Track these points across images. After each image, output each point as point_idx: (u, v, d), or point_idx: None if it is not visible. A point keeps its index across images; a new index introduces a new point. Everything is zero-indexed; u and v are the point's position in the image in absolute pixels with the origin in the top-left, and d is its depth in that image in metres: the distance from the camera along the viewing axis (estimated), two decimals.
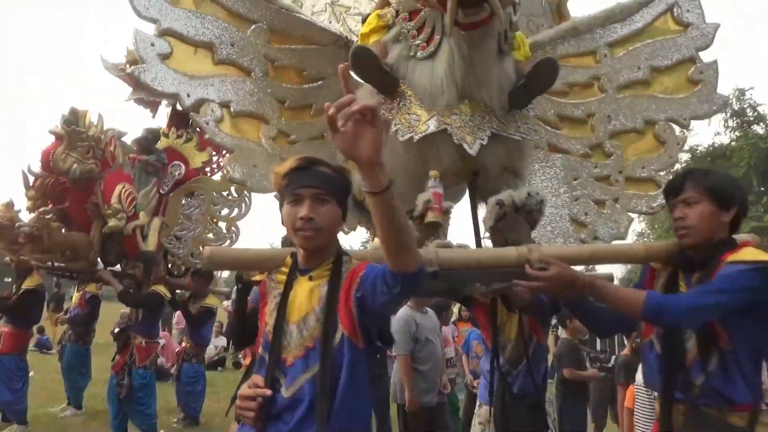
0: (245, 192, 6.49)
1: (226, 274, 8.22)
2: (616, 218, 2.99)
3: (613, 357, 5.42)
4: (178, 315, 10.30)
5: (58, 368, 7.14)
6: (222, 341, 10.49)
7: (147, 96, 6.11)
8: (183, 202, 6.52)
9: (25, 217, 5.59)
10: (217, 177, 6.78)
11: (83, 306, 6.58)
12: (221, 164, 6.70)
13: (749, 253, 1.94)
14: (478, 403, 3.55)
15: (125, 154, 6.19)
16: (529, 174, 3.02)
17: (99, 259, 5.85)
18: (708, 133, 31.04)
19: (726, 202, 1.99)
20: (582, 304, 2.22)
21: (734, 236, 2.05)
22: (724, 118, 21.73)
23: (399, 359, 4.47)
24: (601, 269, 2.90)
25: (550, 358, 4.67)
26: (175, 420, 6.46)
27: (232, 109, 2.72)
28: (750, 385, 1.89)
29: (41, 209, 5.47)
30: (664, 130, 2.99)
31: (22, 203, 5.71)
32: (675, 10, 3.10)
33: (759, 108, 21.15)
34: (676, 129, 3.03)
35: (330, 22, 3.35)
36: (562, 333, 5.45)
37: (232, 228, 6.66)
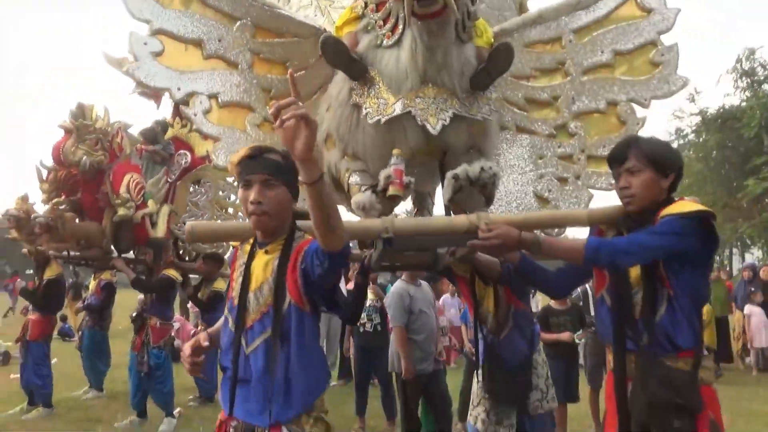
0: None
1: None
2: (578, 194, 3.14)
3: None
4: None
5: (79, 354, 7.41)
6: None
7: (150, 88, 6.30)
8: (191, 189, 6.76)
9: (41, 209, 5.91)
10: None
11: (99, 293, 6.82)
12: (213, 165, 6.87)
13: (682, 205, 2.11)
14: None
15: (132, 145, 6.43)
16: (498, 153, 3.19)
17: (112, 247, 6.13)
18: (718, 95, 30.60)
19: (665, 170, 2.14)
20: (532, 269, 2.42)
21: (676, 198, 2.20)
22: (734, 79, 21.46)
23: (395, 331, 4.69)
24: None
25: None
26: (191, 398, 6.71)
27: (219, 100, 2.93)
28: (693, 330, 2.06)
29: (55, 200, 5.76)
30: (626, 110, 3.12)
31: (36, 197, 6.02)
32: None
33: None
34: (637, 109, 3.14)
35: (315, 16, 3.49)
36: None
37: (239, 213, 6.87)
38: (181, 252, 6.88)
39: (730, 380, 8.40)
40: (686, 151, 24.15)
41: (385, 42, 2.68)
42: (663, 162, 2.15)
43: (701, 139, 22.96)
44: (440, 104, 2.61)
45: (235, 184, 6.47)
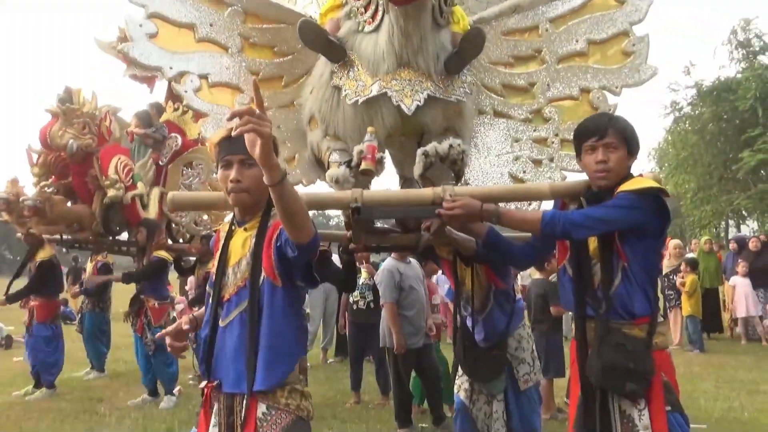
0: None
1: None
2: (551, 175, 3.25)
3: None
4: (190, 281, 10.70)
5: (80, 337, 7.44)
6: None
7: (141, 72, 6.31)
8: (182, 172, 6.79)
9: (32, 192, 5.94)
10: None
11: (96, 275, 6.89)
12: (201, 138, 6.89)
13: (637, 181, 2.19)
14: None
15: (122, 129, 6.45)
16: (476, 136, 3.30)
17: (103, 229, 6.18)
18: (713, 68, 30.36)
19: (634, 149, 2.25)
20: (498, 241, 2.50)
21: (637, 175, 2.29)
22: (729, 50, 21.35)
23: (386, 307, 4.78)
24: None
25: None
26: (190, 376, 6.85)
27: (209, 80, 3.07)
28: (648, 299, 2.16)
29: (42, 183, 5.79)
30: (598, 97, 3.23)
31: (28, 180, 6.06)
32: None
33: (765, 37, 20.61)
34: (609, 96, 3.25)
35: (311, 3, 3.59)
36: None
37: None
38: (174, 234, 6.93)
39: (719, 350, 8.58)
40: (682, 123, 24.12)
41: (366, 28, 2.79)
42: (633, 142, 2.24)
43: (697, 112, 22.90)
44: (415, 86, 2.73)
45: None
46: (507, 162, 3.24)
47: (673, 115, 23.95)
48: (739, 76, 20.76)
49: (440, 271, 7.71)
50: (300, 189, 2.97)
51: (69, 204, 6.06)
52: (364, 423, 5.03)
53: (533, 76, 3.32)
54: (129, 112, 6.97)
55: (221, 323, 1.92)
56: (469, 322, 3.33)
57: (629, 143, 2.22)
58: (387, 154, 3.11)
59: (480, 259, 3.01)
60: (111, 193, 5.66)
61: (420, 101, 2.71)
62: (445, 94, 2.79)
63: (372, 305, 5.74)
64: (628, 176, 2.24)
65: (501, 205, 2.43)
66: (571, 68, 3.30)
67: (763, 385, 6.22)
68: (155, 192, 6.32)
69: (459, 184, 2.81)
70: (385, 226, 3.24)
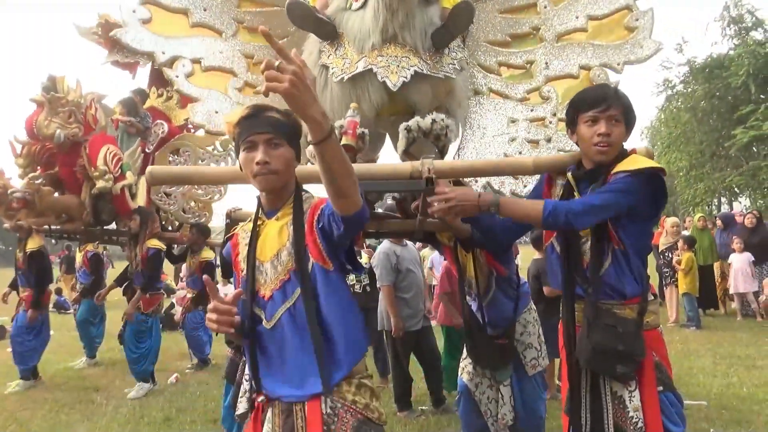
0: (230, 146, 6.65)
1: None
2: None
3: None
4: (185, 267, 10.63)
5: (75, 327, 7.42)
6: (229, 289, 10.85)
7: (123, 58, 6.17)
8: (169, 159, 6.67)
9: (17, 184, 5.83)
10: (200, 132, 6.88)
11: (87, 265, 6.81)
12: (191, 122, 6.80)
13: (634, 160, 2.11)
14: None
15: (107, 116, 6.32)
16: (472, 116, 3.23)
17: (93, 219, 6.09)
18: (706, 44, 30.17)
19: (631, 125, 2.18)
20: (477, 217, 2.38)
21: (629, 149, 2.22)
22: (722, 27, 21.19)
23: (383, 290, 4.75)
24: None
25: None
26: (189, 366, 6.83)
27: (202, 65, 3.07)
28: (638, 279, 2.11)
29: (31, 175, 5.68)
30: (598, 75, 3.11)
31: (12, 172, 5.95)
32: None
33: (757, 13, 20.47)
34: (610, 74, 3.13)
35: None
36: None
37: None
38: (163, 222, 6.85)
39: (715, 326, 8.62)
40: (674, 101, 24.05)
41: (353, 5, 2.77)
42: (632, 117, 2.17)
43: (689, 90, 22.82)
44: (402, 62, 2.69)
45: (232, 148, 6.47)
46: (503, 143, 3.16)
47: (665, 93, 23.88)
48: (731, 52, 20.63)
49: (435, 252, 7.74)
50: None
51: (56, 195, 5.94)
52: None
53: (531, 54, 3.23)
54: (111, 99, 6.87)
55: (266, 325, 1.73)
56: (474, 309, 3.28)
57: (628, 119, 2.15)
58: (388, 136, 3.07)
59: (477, 244, 2.96)
60: (100, 184, 5.56)
61: (406, 77, 2.67)
62: (432, 70, 2.75)
63: (368, 288, 5.71)
64: (623, 152, 2.17)
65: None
66: (571, 45, 3.20)
67: (760, 361, 6.25)
68: (143, 181, 6.21)
69: None
70: (385, 211, 3.18)
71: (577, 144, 2.27)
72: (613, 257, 2.10)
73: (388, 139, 3.23)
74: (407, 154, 2.72)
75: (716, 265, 9.55)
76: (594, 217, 2.07)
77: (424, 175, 2.27)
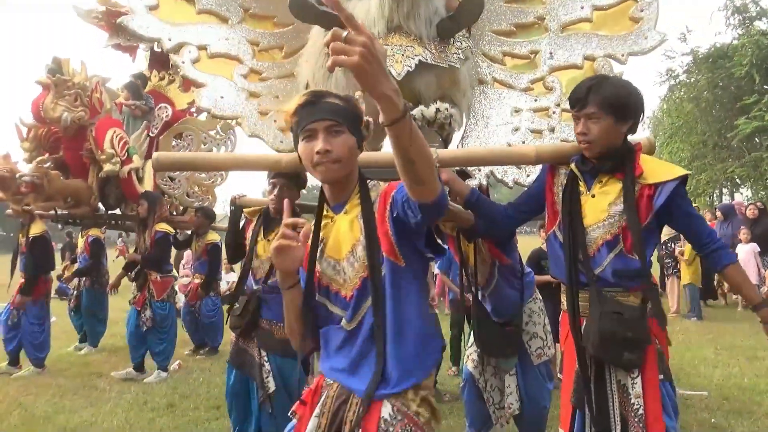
0: (231, 130, 6.66)
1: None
2: None
3: None
4: (187, 254, 10.64)
5: (75, 312, 7.30)
6: (232, 277, 10.88)
7: (124, 41, 6.14)
8: (173, 143, 6.66)
9: (24, 168, 5.81)
10: (202, 116, 6.87)
11: (88, 249, 6.78)
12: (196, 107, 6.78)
13: (668, 170, 2.12)
14: None
15: (111, 100, 6.29)
16: (475, 105, 3.23)
17: (100, 204, 6.08)
18: (709, 34, 29.81)
19: (625, 116, 2.13)
20: (478, 202, 2.39)
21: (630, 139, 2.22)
22: (725, 16, 21.05)
23: None
24: None
25: None
26: (187, 352, 6.83)
27: (208, 51, 3.09)
28: (643, 267, 2.09)
29: (38, 159, 5.66)
30: (602, 65, 3.13)
31: (17, 155, 5.92)
32: None
33: (761, 2, 20.31)
34: (614, 65, 3.14)
35: None
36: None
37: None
38: (168, 207, 6.83)
39: (716, 317, 8.65)
40: (677, 91, 23.93)
41: None
42: (623, 108, 2.12)
43: (692, 80, 22.70)
44: (407, 51, 2.71)
45: (232, 132, 6.45)
46: (507, 132, 3.17)
47: (668, 83, 23.76)
48: (735, 42, 20.50)
49: None
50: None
51: (63, 178, 5.91)
52: None
53: (535, 44, 3.24)
54: (111, 83, 6.83)
55: (345, 326, 1.61)
56: (480, 298, 3.28)
57: (617, 110, 2.10)
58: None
59: (480, 234, 2.95)
60: (108, 167, 5.54)
61: (411, 66, 2.68)
62: (437, 60, 2.76)
63: None
64: (629, 146, 2.17)
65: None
66: (575, 36, 3.22)
67: (761, 351, 6.28)
68: (149, 165, 6.20)
69: None
70: None
71: None
72: (620, 250, 2.11)
73: None
74: None
75: None
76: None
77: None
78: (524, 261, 5.15)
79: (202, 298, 6.69)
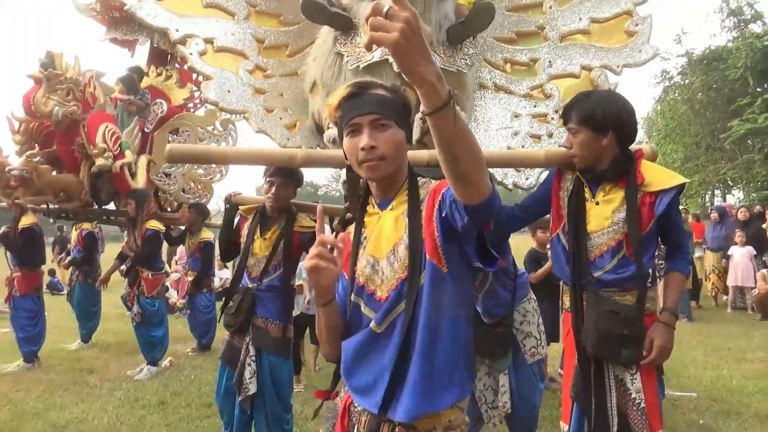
0: (231, 125, 6.63)
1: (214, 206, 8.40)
2: None
3: None
4: (180, 250, 10.61)
5: (69, 308, 7.36)
6: (225, 273, 10.86)
7: (122, 35, 6.10)
8: (168, 139, 6.62)
9: (15, 161, 5.76)
10: (200, 112, 6.84)
11: (81, 244, 6.71)
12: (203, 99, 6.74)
13: (666, 176, 2.20)
14: None
15: (105, 94, 6.25)
16: (477, 109, 3.29)
17: (91, 199, 6.03)
18: (704, 36, 30.08)
19: (601, 129, 2.18)
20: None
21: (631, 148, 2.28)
22: (720, 18, 21.17)
23: None
24: None
25: None
26: (189, 349, 6.81)
27: (214, 45, 3.10)
28: (639, 268, 2.17)
29: (29, 152, 5.61)
30: (599, 75, 3.24)
31: (9, 149, 5.87)
32: None
33: (756, 5, 20.44)
34: (610, 75, 3.26)
35: None
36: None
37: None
38: (162, 203, 6.81)
39: (706, 319, 8.71)
40: (672, 93, 24.06)
41: None
42: (600, 122, 2.18)
43: (687, 81, 22.83)
44: None
45: (232, 127, 6.42)
46: (507, 136, 3.24)
47: (662, 85, 23.89)
48: (730, 44, 20.62)
49: None
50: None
51: (54, 173, 5.87)
52: None
53: (536, 52, 3.34)
54: (108, 78, 6.79)
55: (374, 328, 1.47)
56: None
57: (592, 124, 2.17)
58: None
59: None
60: (99, 162, 5.49)
61: None
62: (446, 63, 2.81)
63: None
64: (628, 154, 2.22)
65: None
66: (574, 46, 3.33)
67: (750, 353, 6.33)
68: (143, 160, 6.17)
69: None
70: None
71: None
72: (622, 255, 2.20)
73: None
74: (421, 143, 2.74)
75: (707, 258, 9.74)
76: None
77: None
78: (522, 261, 5.22)
79: (195, 295, 6.67)
